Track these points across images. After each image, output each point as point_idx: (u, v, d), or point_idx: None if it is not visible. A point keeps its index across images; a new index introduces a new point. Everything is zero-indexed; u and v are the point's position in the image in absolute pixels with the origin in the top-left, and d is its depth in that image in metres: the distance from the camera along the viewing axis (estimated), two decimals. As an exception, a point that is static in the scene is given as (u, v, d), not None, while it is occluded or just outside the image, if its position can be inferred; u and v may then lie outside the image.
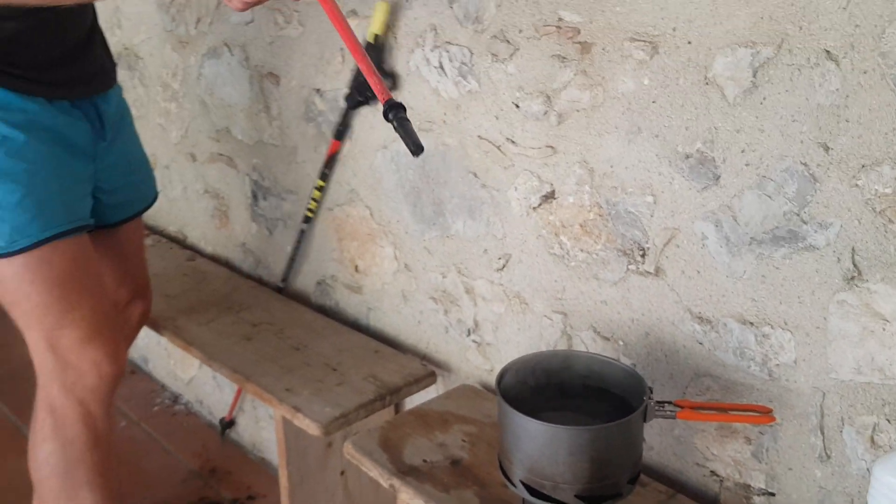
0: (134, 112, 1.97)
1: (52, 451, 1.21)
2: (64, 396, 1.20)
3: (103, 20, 2.04)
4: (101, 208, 1.33)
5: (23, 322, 1.17)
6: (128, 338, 1.49)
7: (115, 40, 2.02)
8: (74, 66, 1.24)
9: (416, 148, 0.82)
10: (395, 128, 0.84)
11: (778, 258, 0.92)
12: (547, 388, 1.02)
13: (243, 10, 0.99)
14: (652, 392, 0.92)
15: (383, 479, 1.11)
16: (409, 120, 0.85)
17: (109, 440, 1.27)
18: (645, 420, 0.91)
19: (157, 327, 1.55)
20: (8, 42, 1.13)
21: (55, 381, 1.19)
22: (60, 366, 1.18)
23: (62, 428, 1.21)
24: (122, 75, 2.04)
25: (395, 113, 0.84)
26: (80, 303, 1.17)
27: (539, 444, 0.89)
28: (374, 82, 0.87)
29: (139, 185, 1.43)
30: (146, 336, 2.19)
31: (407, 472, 1.10)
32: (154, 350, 2.20)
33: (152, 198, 1.47)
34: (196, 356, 1.48)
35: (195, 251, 1.91)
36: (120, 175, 1.35)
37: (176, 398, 2.15)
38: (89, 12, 1.30)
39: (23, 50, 1.15)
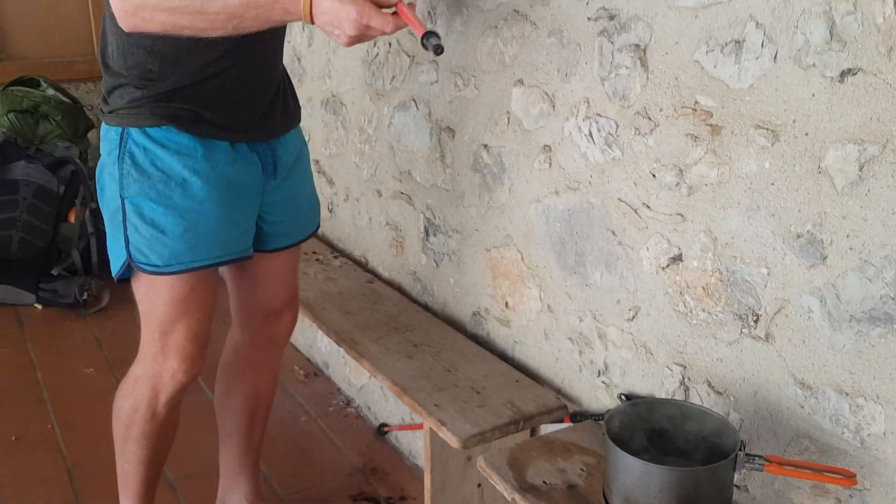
0: (333, 150, 2.34)
1: (122, 406, 1.51)
2: (144, 378, 1.46)
3: (316, 71, 2.43)
4: (262, 235, 1.52)
5: (141, 316, 1.45)
6: (279, 342, 1.74)
7: (324, 88, 2.40)
8: (261, 115, 1.41)
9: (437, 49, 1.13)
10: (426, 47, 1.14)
11: (874, 336, 1.01)
12: (654, 431, 1.17)
13: (348, 45, 1.17)
14: (744, 445, 1.05)
15: (507, 493, 1.30)
16: (438, 38, 1.14)
17: (167, 421, 1.51)
18: (735, 469, 1.04)
19: (337, 339, 1.85)
20: (208, 97, 1.32)
21: (144, 364, 1.46)
22: (150, 358, 1.44)
23: (134, 395, 1.48)
24: (327, 119, 2.42)
25: (429, 39, 1.13)
26: (180, 321, 1.40)
27: (634, 477, 1.05)
28: (413, 23, 1.15)
29: (301, 219, 1.60)
30: (329, 345, 2.55)
31: (527, 489, 1.29)
32: (334, 358, 2.55)
33: (312, 231, 1.65)
34: (366, 367, 1.76)
35: (374, 274, 2.22)
36: (284, 211, 1.53)
37: (349, 401, 2.47)
38: (279, 62, 1.47)
39: (219, 101, 1.34)
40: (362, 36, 1.14)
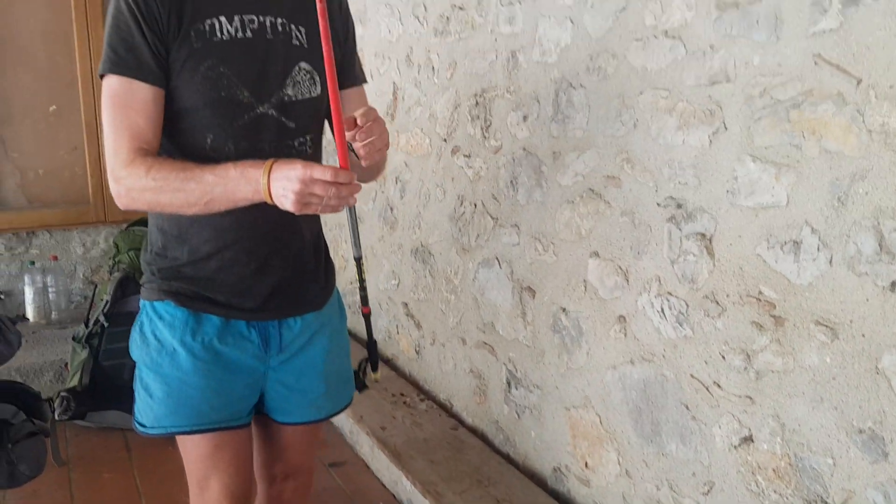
0: (421, 295, 2.51)
1: None
2: None
3: (407, 221, 2.65)
4: (268, 405, 1.49)
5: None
6: None
7: (414, 237, 2.62)
8: (266, 298, 1.40)
9: None
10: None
11: (939, 541, 1.07)
12: None
13: (296, 205, 1.14)
14: None
15: None
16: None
17: None
18: None
19: (423, 490, 1.98)
20: (208, 278, 1.37)
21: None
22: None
23: None
24: (416, 266, 2.62)
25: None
26: (212, 477, 1.45)
27: None
28: (341, 154, 1.16)
29: (318, 399, 1.50)
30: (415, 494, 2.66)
31: None
32: (419, 499, 2.66)
33: (331, 412, 1.54)
34: (450, 521, 1.88)
35: (458, 420, 2.36)
36: (291, 389, 1.47)
37: (431, 542, 2.56)
38: (294, 247, 1.44)
39: (220, 281, 1.38)
40: (306, 191, 1.15)
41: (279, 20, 1.35)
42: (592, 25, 1.73)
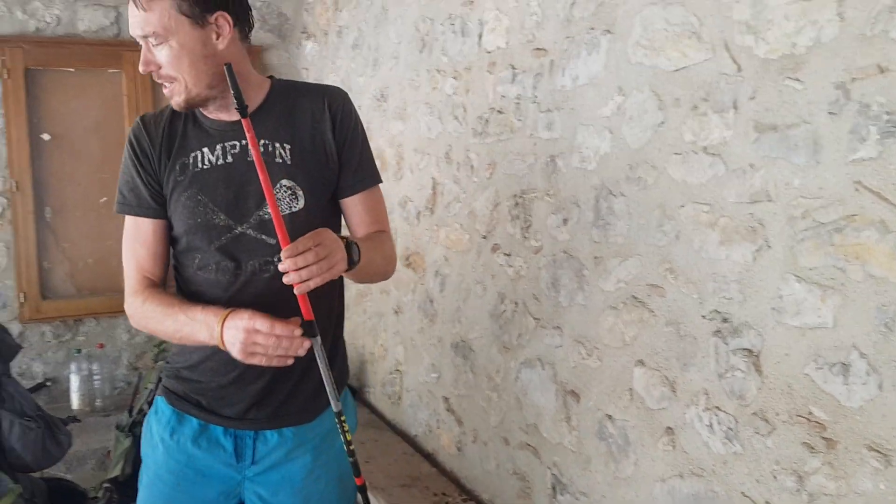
0: (462, 391, 2.53)
1: None
2: None
3: (447, 315, 2.68)
4: None
5: None
6: None
7: (454, 331, 2.66)
8: (248, 408, 1.49)
9: None
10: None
11: None
12: None
13: (242, 353, 1.28)
14: None
15: None
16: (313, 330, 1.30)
17: None
18: None
19: None
20: (197, 381, 1.51)
21: None
22: None
23: None
24: (456, 360, 2.64)
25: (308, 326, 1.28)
26: None
27: None
28: (281, 236, 1.25)
29: None
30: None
31: None
32: None
33: None
34: None
35: (502, 522, 2.34)
36: (262, 502, 1.52)
37: None
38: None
39: (207, 386, 1.50)
40: (250, 341, 1.26)
41: (263, 141, 1.45)
42: (631, 137, 1.79)
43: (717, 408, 1.55)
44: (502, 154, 2.34)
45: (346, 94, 1.56)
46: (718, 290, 1.55)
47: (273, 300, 1.38)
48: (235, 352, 1.28)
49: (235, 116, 1.40)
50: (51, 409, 2.72)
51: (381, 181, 1.58)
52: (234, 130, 1.47)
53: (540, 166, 2.15)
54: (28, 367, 3.84)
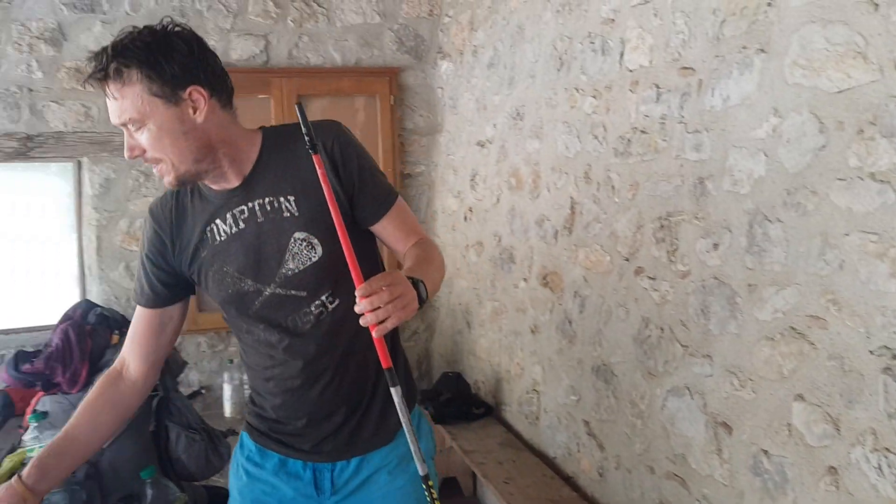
0: (603, 416, 2.51)
1: None
2: None
3: (587, 337, 2.66)
4: None
5: None
6: None
7: (594, 354, 2.64)
8: (322, 439, 1.56)
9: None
10: None
11: None
12: None
13: None
14: None
15: None
16: None
17: None
18: None
19: None
20: (275, 419, 1.59)
21: None
22: None
23: None
24: (597, 384, 2.62)
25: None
26: None
27: None
28: (355, 275, 1.24)
29: None
30: None
31: None
32: None
33: None
34: None
35: (646, 552, 2.30)
36: None
37: None
38: (348, 386, 1.56)
39: (283, 423, 1.58)
40: None
41: (266, 199, 1.47)
42: (789, 160, 1.72)
43: (887, 449, 1.47)
44: (646, 175, 2.31)
45: (337, 125, 1.52)
46: (888, 324, 1.47)
47: (325, 344, 1.51)
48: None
49: (233, 183, 1.48)
50: (205, 416, 2.91)
51: (398, 194, 1.58)
52: (236, 196, 1.48)
53: (687, 188, 2.10)
54: (185, 376, 4.12)
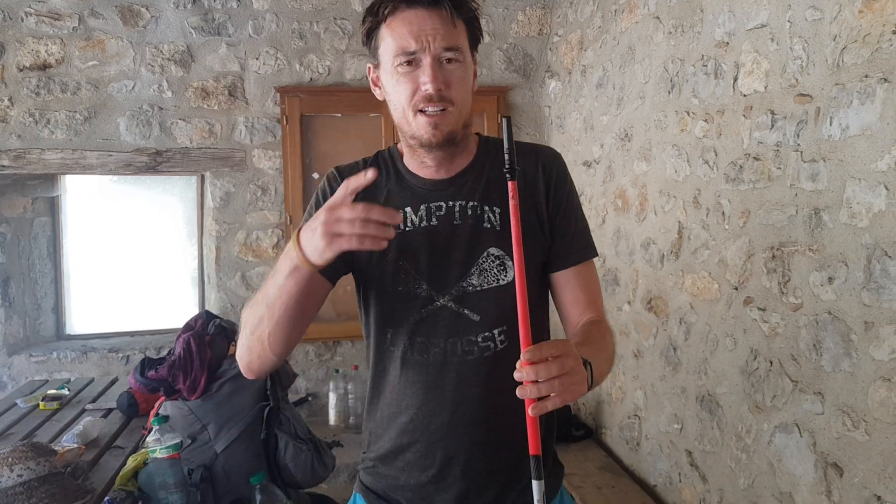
0: (707, 447, 2.46)
1: None
2: None
3: (692, 365, 2.61)
4: None
5: None
6: None
7: (699, 383, 2.59)
8: (446, 493, 1.33)
9: None
10: None
11: None
12: None
13: (326, 237, 1.06)
14: None
15: None
16: None
17: None
18: None
19: None
20: (394, 476, 1.36)
21: None
22: None
23: None
24: (701, 415, 2.57)
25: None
26: None
27: None
28: (523, 334, 1.03)
29: None
30: None
31: None
32: None
33: None
34: None
35: (749, 592, 2.23)
36: None
37: None
38: (485, 449, 1.32)
39: (400, 479, 1.35)
40: (332, 218, 1.06)
41: (470, 203, 1.33)
42: (912, 195, 1.66)
43: None
44: (758, 203, 2.26)
45: (560, 155, 1.42)
46: None
47: (480, 390, 1.29)
48: (318, 239, 1.06)
49: (442, 174, 1.35)
50: (310, 422, 3.03)
51: (596, 254, 1.39)
52: (440, 190, 1.35)
53: (802, 219, 2.05)
54: (293, 383, 4.30)
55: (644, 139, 3.11)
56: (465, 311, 1.30)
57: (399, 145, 1.41)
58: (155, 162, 4.09)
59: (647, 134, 3.08)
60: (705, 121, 2.59)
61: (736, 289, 2.38)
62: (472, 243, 1.31)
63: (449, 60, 1.24)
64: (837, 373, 1.89)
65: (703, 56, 2.61)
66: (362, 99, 4.18)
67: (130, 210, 4.54)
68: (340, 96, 4.19)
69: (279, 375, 2.46)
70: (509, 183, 1.12)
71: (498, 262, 1.30)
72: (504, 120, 1.17)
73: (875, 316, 1.76)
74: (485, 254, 1.30)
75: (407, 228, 1.33)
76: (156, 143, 4.09)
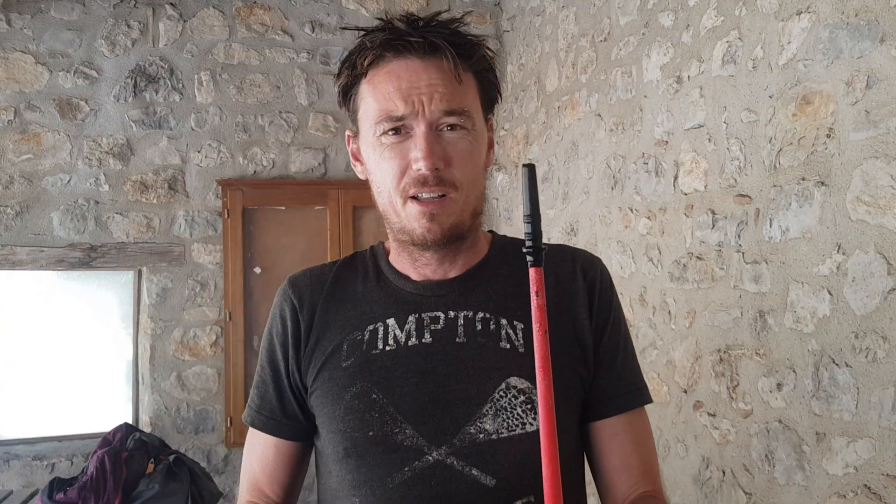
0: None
1: None
2: None
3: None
4: None
5: None
6: None
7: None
8: None
9: None
10: None
11: None
12: None
13: None
14: None
15: None
16: None
17: None
18: None
19: None
20: None
21: None
22: None
23: None
24: None
25: None
26: None
27: None
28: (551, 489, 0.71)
29: None
30: None
31: None
32: None
33: None
34: None
35: None
36: None
37: None
38: None
39: None
40: None
41: (480, 315, 0.98)
42: (856, 301, 1.61)
43: None
44: (703, 303, 2.21)
45: (601, 260, 1.08)
46: (979, 495, 1.32)
47: None
48: None
49: (441, 275, 1.01)
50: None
51: (651, 399, 1.03)
52: (438, 296, 1.00)
53: (747, 321, 2.00)
54: (231, 490, 4.05)
55: (590, 234, 3.08)
56: (474, 472, 0.90)
57: (386, 243, 1.08)
58: (89, 257, 3.94)
59: (593, 229, 3.05)
60: (648, 218, 2.57)
61: (685, 392, 2.30)
62: (484, 371, 0.94)
63: (451, 128, 0.94)
64: (791, 486, 1.80)
65: (643, 154, 2.61)
66: (307, 192, 4.11)
67: (63, 306, 4.34)
68: (285, 189, 4.12)
69: (202, 495, 2.28)
70: (531, 270, 0.77)
71: (523, 398, 0.92)
72: (525, 170, 0.79)
73: (826, 426, 1.69)
74: (503, 386, 0.93)
75: (387, 347, 0.97)
76: (90, 238, 3.94)
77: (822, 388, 1.70)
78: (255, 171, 4.13)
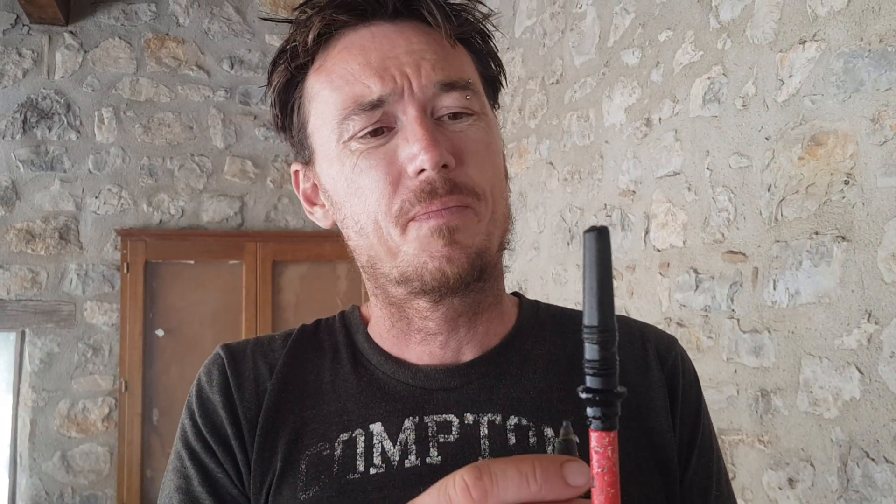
0: None
1: None
2: None
3: None
4: None
5: None
6: None
7: None
8: None
9: None
10: None
11: None
12: None
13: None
14: None
15: None
16: None
17: None
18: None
19: None
20: None
21: None
22: None
23: None
24: None
25: None
26: None
27: None
28: None
29: None
30: None
31: None
32: None
33: None
34: None
35: None
36: None
37: None
38: None
39: None
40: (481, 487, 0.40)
41: (513, 420, 0.67)
42: (895, 382, 1.32)
43: None
44: (685, 377, 1.90)
45: (677, 341, 0.78)
46: None
47: None
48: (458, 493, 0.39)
49: (450, 356, 0.69)
50: None
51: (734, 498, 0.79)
52: (446, 390, 0.69)
53: (745, 401, 1.69)
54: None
55: (541, 294, 2.76)
56: None
57: (363, 307, 0.77)
58: (-41, 317, 3.38)
59: (545, 288, 2.73)
60: (615, 278, 2.26)
61: (664, 481, 1.97)
62: None
63: (454, 116, 0.64)
64: None
65: (605, 205, 2.33)
66: (220, 244, 3.68)
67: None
68: (195, 241, 3.67)
69: None
70: (594, 434, 0.39)
71: None
72: (588, 237, 0.38)
73: (860, 536, 1.38)
74: None
75: (371, 469, 0.65)
76: (-38, 295, 3.40)
77: (851, 488, 1.40)
78: (160, 220, 3.68)
